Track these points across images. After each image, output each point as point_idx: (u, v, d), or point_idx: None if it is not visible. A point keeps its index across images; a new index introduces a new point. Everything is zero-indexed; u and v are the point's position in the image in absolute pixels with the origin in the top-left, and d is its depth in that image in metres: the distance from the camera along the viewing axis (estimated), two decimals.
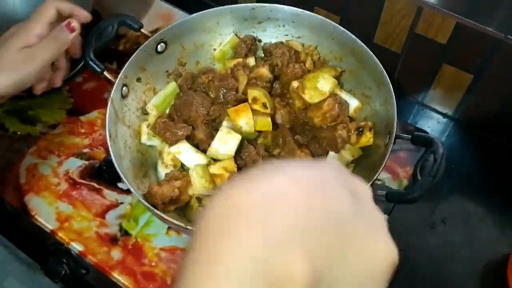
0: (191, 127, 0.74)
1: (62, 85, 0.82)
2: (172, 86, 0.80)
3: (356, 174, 0.67)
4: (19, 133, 0.86)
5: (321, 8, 0.92)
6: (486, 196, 0.83)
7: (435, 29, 0.82)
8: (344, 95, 0.75)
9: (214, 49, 0.85)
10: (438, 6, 0.79)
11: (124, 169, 0.66)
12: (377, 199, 0.33)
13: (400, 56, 0.90)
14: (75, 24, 0.69)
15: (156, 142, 0.77)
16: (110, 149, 0.65)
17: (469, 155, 0.90)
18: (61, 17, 0.70)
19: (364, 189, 0.32)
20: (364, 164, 0.70)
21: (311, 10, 0.86)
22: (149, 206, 0.61)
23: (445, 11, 0.79)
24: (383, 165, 0.61)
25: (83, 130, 0.87)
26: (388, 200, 0.60)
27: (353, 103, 0.75)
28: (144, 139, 0.76)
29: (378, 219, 0.31)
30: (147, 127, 0.76)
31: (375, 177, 0.60)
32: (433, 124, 0.93)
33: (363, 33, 0.79)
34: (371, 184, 0.60)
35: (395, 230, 0.75)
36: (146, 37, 0.89)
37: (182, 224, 0.59)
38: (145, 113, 0.79)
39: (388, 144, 0.64)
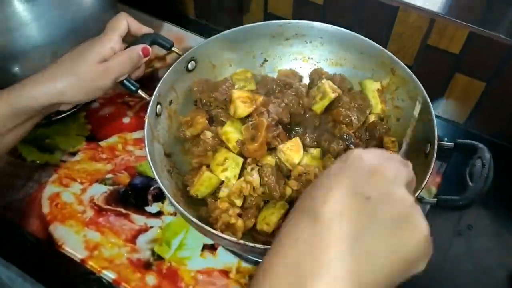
0: None
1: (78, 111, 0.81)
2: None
3: None
4: (38, 162, 0.84)
5: (332, 24, 0.94)
6: (506, 202, 0.84)
7: (448, 39, 0.84)
8: None
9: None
10: (451, 17, 0.82)
11: (166, 188, 0.64)
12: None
13: (412, 68, 0.92)
14: (150, 49, 0.73)
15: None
16: (153, 169, 0.64)
17: None
18: (129, 33, 0.73)
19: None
20: None
21: None
22: (203, 225, 0.59)
23: (458, 22, 0.81)
24: (429, 174, 0.61)
25: (104, 156, 0.85)
26: (440, 207, 0.60)
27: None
28: None
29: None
30: None
31: (423, 186, 0.60)
32: (446, 133, 0.95)
33: None
34: (419, 192, 0.60)
35: None
36: (160, 60, 0.89)
37: (234, 239, 0.58)
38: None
39: (429, 153, 0.65)
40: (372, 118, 0.78)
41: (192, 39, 1.02)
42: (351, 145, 0.72)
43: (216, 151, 0.73)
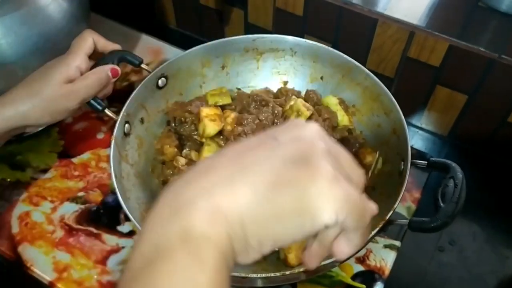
0: None
1: (52, 126, 0.79)
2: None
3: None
4: (8, 179, 0.82)
5: (312, 36, 0.93)
6: (489, 215, 0.83)
7: (428, 52, 0.83)
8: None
9: None
10: (430, 30, 0.80)
11: (131, 210, 0.62)
12: None
13: (393, 80, 0.91)
14: (119, 70, 0.70)
15: None
16: (117, 191, 0.62)
17: (468, 175, 0.90)
18: (96, 50, 0.70)
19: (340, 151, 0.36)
20: (379, 194, 0.69)
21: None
22: None
23: (437, 34, 0.80)
24: (401, 194, 0.59)
25: (76, 173, 0.83)
26: (411, 229, 0.58)
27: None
28: None
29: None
30: None
31: (395, 206, 0.58)
32: (429, 145, 0.93)
33: (355, 59, 0.79)
34: (391, 214, 0.59)
35: (405, 255, 0.75)
36: (137, 73, 0.87)
37: None
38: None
39: (403, 171, 0.63)
40: (344, 133, 0.76)
41: (171, 52, 1.00)
42: None
43: None
